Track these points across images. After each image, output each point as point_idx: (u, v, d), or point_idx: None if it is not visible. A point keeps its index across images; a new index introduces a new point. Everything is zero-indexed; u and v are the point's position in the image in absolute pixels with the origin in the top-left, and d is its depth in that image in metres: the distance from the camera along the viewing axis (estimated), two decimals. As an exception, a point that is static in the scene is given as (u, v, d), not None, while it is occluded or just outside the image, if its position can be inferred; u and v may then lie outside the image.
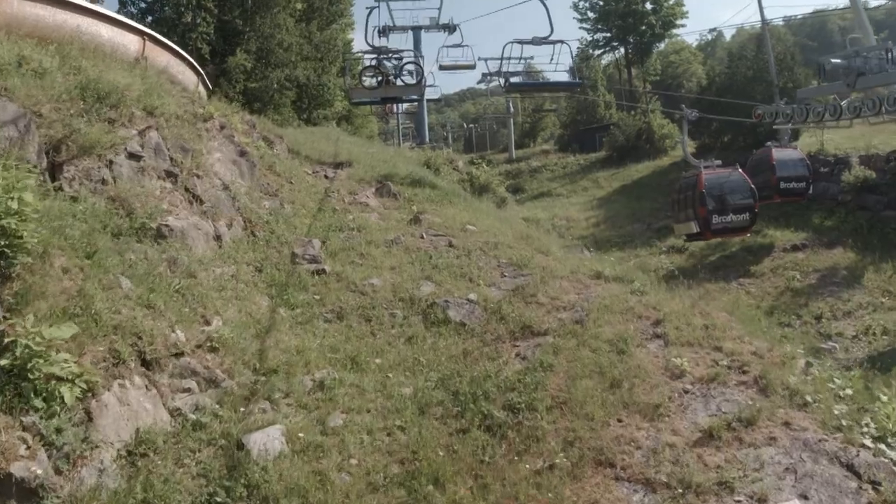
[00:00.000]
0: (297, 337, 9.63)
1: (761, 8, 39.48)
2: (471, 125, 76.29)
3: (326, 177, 18.69)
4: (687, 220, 24.24)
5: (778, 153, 29.06)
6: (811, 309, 23.89)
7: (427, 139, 36.99)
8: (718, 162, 24.69)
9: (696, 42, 74.61)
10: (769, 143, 30.07)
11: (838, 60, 21.92)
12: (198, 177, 11.67)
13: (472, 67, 47.67)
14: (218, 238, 11.09)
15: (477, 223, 15.95)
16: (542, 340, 10.04)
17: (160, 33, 32.16)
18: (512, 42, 26.62)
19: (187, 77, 17.70)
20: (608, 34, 50.30)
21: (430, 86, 44.15)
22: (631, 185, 40.36)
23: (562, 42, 25.05)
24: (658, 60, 54.28)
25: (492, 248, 13.93)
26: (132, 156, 10.40)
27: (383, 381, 8.76)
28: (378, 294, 11.31)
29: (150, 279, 8.19)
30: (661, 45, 53.38)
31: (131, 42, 14.64)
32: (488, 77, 58.57)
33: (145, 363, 6.94)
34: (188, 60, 17.73)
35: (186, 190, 11.17)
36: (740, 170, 24.65)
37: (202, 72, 19.22)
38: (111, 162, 9.88)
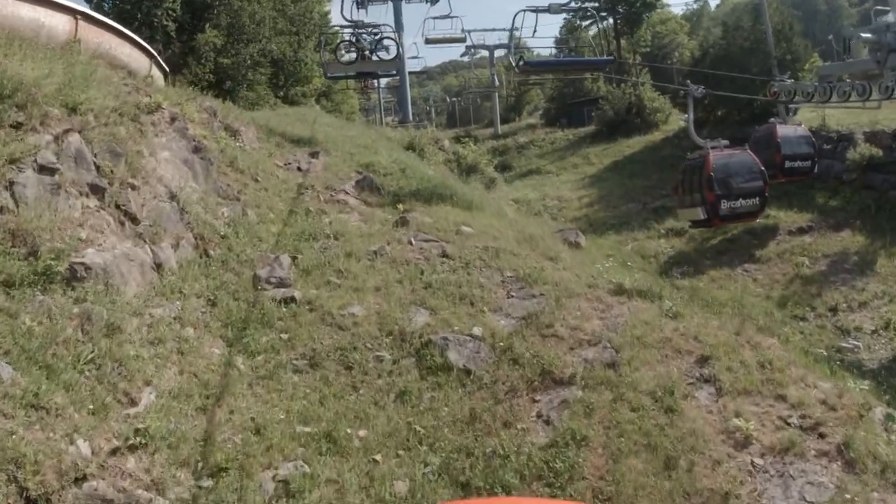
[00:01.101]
0: (257, 401, 7.39)
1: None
2: (454, 99, 73.26)
3: (300, 168, 16.25)
4: (693, 206, 22.07)
5: (782, 130, 26.93)
6: (825, 300, 21.92)
7: (410, 117, 34.46)
8: (726, 142, 22.47)
9: (681, 12, 71.97)
10: (772, 119, 27.93)
11: (868, 35, 19.62)
12: (133, 187, 9.26)
13: (462, 41, 45.06)
14: (158, 267, 8.74)
15: (473, 222, 13.66)
16: (568, 393, 7.87)
17: (123, 11, 29.55)
18: (524, 10, 22.01)
19: (135, 60, 15.09)
20: (596, 3, 47.62)
21: (414, 57, 41.60)
22: (623, 162, 38.04)
23: (586, 8, 21.31)
24: (647, 31, 51.63)
25: (493, 256, 11.68)
26: (43, 169, 7.97)
27: (369, 472, 6.54)
28: (360, 328, 9.05)
29: (48, 354, 5.88)
30: (651, 15, 50.82)
31: (60, 23, 12.03)
32: (472, 50, 56.03)
33: (30, 503, 4.68)
34: (135, 41, 15.09)
35: (117, 207, 8.76)
36: (749, 150, 22.48)
37: (155, 53, 16.58)
38: (11, 182, 7.45)
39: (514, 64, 22.01)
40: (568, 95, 50.88)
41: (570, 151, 42.23)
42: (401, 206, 14.12)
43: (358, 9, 32.58)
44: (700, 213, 21.73)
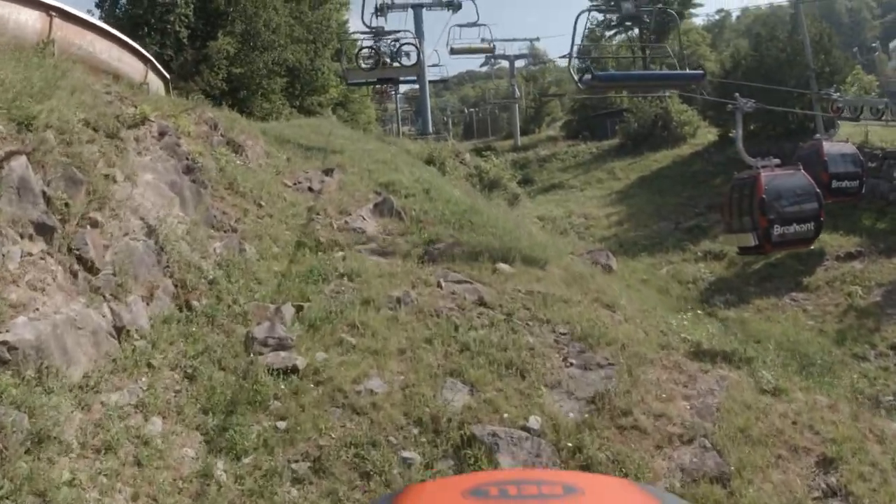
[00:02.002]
0: (239, 535, 5.21)
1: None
2: (471, 109, 70.98)
3: (311, 189, 14.12)
4: (743, 231, 19.66)
5: (829, 147, 24.57)
6: (884, 335, 19.51)
7: (430, 128, 32.30)
8: (777, 160, 20.05)
9: (702, 23, 69.36)
10: (817, 135, 25.59)
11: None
12: (94, 224, 7.13)
13: (491, 51, 42.52)
14: (120, 331, 6.60)
15: (511, 256, 11.42)
16: (666, 524, 5.63)
17: (135, 16, 27.76)
18: (588, 10, 17.70)
19: (127, 65, 13.04)
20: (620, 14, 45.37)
21: (435, 65, 39.59)
22: (651, 177, 35.64)
23: (666, 10, 16.91)
24: (675, 41, 49.08)
25: (540, 304, 9.48)
26: (-33, 204, 5.90)
27: None
28: (381, 412, 6.85)
29: None
30: (679, 25, 48.32)
31: (30, 19, 10.00)
32: (492, 60, 53.90)
33: None
34: (127, 43, 13.03)
35: (70, 251, 6.64)
36: (803, 170, 20.14)
37: (152, 58, 14.53)
38: (-88, 225, 5.37)
39: (575, 78, 17.21)
40: (590, 107, 48.50)
41: (595, 165, 39.86)
42: (426, 235, 11.94)
43: (377, 16, 30.65)
44: (751, 239, 19.32)
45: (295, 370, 7.23)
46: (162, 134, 10.51)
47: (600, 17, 47.32)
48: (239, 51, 29.64)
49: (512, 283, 10.16)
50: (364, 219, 12.56)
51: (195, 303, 7.92)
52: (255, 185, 12.19)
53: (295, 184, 14.13)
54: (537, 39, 62.90)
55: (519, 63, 52.80)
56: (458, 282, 10.06)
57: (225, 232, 9.81)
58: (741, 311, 21.54)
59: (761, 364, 8.63)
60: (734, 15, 77.78)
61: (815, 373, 11.54)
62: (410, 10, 31.30)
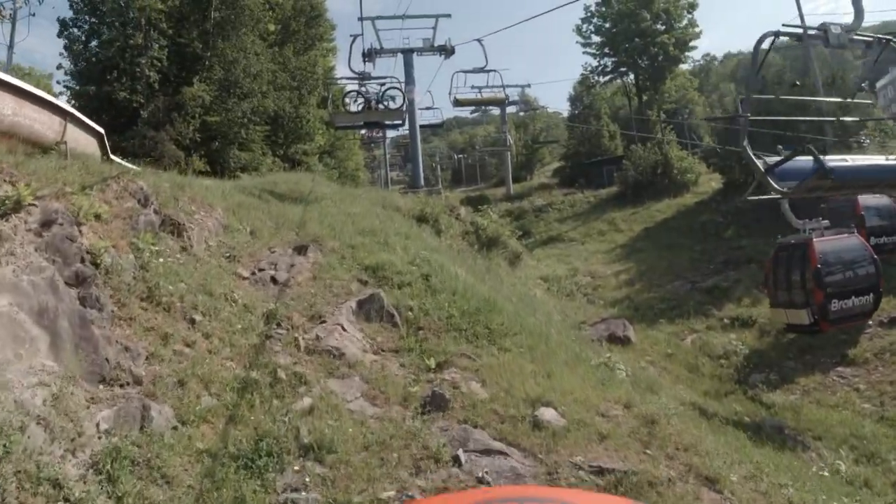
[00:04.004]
0: None
1: (802, 20, 31.40)
2: (460, 155, 67.70)
3: (275, 280, 10.39)
4: (793, 306, 16.15)
5: (864, 199, 21.37)
6: (960, 422, 15.89)
7: (422, 181, 28.87)
8: (825, 222, 16.72)
9: (687, 67, 67.17)
10: (852, 186, 22.31)
11: None
12: None
13: (502, 103, 39.49)
14: None
15: (552, 388, 7.74)
16: None
17: (104, 59, 24.35)
18: (774, 33, 11.32)
19: (28, 119, 9.37)
20: (615, 59, 42.32)
21: (429, 108, 36.54)
22: (656, 229, 32.27)
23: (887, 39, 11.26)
24: (672, 85, 45.96)
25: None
26: None
27: None
28: None
29: None
30: (676, 69, 45.43)
31: None
32: (483, 106, 50.78)
33: None
34: (27, 92, 9.36)
35: None
36: (857, 233, 16.80)
37: (70, 110, 10.83)
38: None
39: (761, 169, 9.63)
40: (583, 154, 45.40)
41: (594, 216, 36.48)
42: (431, 361, 8.19)
43: (366, 61, 27.79)
44: (805, 317, 15.80)
45: None
46: (47, 224, 6.81)
47: (594, 62, 44.43)
48: (216, 98, 26.40)
49: (565, 449, 6.43)
50: (343, 329, 8.78)
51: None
52: (193, 285, 8.43)
53: (254, 273, 10.39)
54: (528, 86, 60.08)
55: (510, 109, 49.85)
56: (485, 452, 6.31)
57: (122, 387, 6.01)
58: (786, 393, 17.86)
59: None
60: (718, 59, 75.85)
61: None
62: (400, 56, 28.20)
